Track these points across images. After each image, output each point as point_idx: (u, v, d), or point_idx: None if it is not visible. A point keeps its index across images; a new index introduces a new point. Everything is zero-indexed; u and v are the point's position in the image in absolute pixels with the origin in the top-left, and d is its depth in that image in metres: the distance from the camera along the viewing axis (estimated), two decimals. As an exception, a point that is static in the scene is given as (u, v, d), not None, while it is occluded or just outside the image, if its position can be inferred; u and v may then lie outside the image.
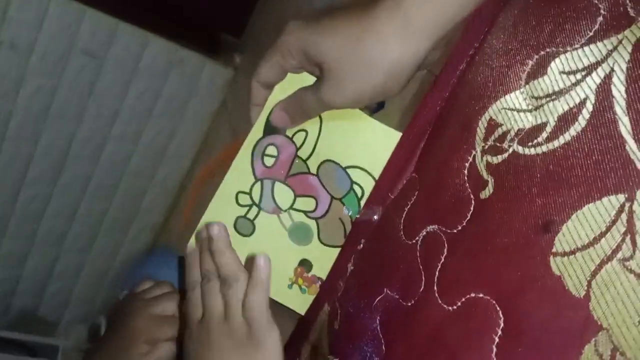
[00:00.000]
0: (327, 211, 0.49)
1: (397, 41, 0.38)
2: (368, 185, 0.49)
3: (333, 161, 0.48)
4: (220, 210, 0.49)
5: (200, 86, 1.63)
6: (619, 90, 0.29)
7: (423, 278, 0.39)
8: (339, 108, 0.43)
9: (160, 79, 1.58)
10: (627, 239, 0.27)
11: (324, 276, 0.50)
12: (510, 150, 0.34)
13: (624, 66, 0.29)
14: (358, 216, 0.49)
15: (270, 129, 0.47)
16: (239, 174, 0.48)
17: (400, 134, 0.47)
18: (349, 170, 0.49)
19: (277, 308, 0.50)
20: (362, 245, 0.48)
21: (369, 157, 0.48)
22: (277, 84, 0.46)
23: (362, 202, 0.49)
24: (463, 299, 0.35)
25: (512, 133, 0.35)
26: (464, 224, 0.37)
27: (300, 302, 0.51)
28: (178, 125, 1.69)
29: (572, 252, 0.29)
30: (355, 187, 0.49)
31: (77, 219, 1.76)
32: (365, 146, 0.48)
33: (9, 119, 1.54)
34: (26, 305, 1.88)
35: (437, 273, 0.37)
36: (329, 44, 0.39)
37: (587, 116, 0.30)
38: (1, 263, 1.76)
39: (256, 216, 0.49)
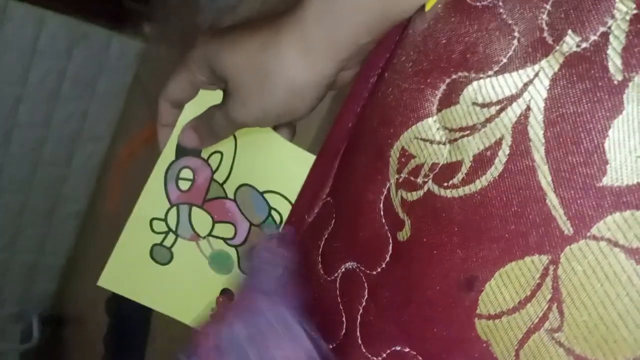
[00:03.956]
0: (246, 238, 0.46)
1: (296, 58, 0.35)
2: (286, 211, 0.45)
3: (250, 185, 0.45)
4: (135, 238, 0.45)
5: (108, 61, 1.51)
6: (536, 133, 0.25)
7: (344, 321, 0.35)
8: (246, 126, 0.39)
9: (63, 58, 1.46)
10: (554, 307, 0.24)
11: None
12: (426, 188, 0.31)
13: (541, 104, 0.25)
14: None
15: (183, 151, 0.43)
16: (152, 199, 0.44)
17: (314, 156, 0.43)
18: (267, 195, 0.45)
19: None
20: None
21: (285, 181, 0.45)
22: (187, 103, 0.41)
23: (281, 230, 0.46)
24: (388, 351, 0.32)
25: (427, 167, 0.31)
26: (383, 265, 0.33)
27: None
28: (90, 106, 1.57)
29: (498, 316, 0.26)
30: (274, 212, 0.46)
31: (-7, 215, 1.65)
32: (281, 170, 0.45)
33: None
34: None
35: (359, 318, 0.34)
36: (232, 58, 0.36)
37: (503, 160, 0.26)
38: None
39: (173, 243, 0.46)
